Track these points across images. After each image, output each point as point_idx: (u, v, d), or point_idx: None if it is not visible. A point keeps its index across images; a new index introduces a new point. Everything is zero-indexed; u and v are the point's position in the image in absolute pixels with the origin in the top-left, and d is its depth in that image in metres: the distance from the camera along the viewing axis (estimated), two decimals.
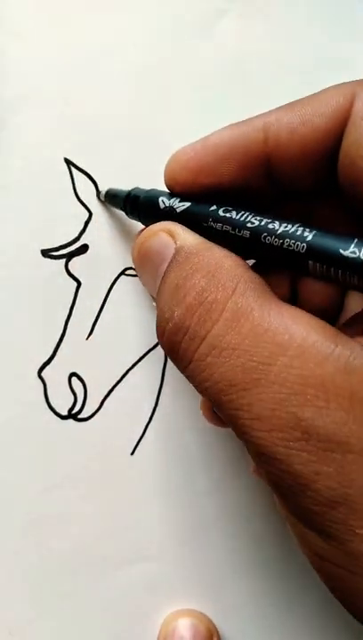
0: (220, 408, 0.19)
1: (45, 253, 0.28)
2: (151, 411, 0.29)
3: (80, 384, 0.29)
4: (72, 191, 0.28)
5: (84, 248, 0.29)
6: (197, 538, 0.29)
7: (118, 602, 0.29)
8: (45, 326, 0.28)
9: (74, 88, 0.29)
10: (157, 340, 0.29)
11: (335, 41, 0.31)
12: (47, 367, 0.28)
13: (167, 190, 0.24)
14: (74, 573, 0.29)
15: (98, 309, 0.29)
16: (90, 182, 0.29)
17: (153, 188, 0.25)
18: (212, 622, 0.29)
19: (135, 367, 0.29)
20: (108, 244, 0.29)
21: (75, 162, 0.29)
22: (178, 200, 0.23)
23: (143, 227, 0.24)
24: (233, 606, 0.30)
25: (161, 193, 0.25)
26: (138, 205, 0.25)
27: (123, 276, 0.29)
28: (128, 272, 0.29)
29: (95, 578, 0.29)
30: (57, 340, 0.28)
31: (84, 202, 0.29)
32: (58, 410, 0.28)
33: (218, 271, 0.20)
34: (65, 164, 0.28)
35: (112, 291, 0.29)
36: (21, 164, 0.28)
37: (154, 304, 0.24)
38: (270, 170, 0.22)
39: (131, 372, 0.29)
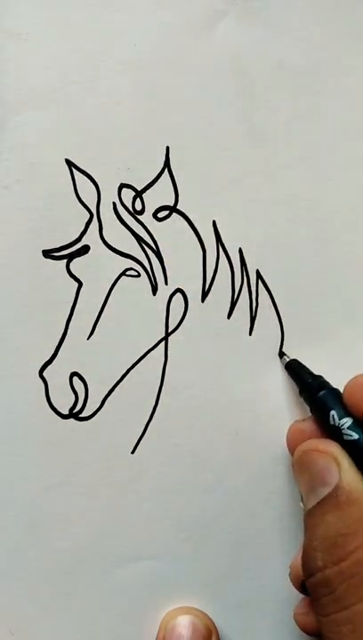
0: None
1: (47, 254, 0.28)
2: (152, 410, 0.29)
3: (81, 384, 0.29)
4: (73, 192, 0.28)
5: (85, 249, 0.29)
6: (197, 536, 0.29)
7: (118, 600, 0.29)
8: (46, 326, 0.28)
9: (74, 88, 0.29)
10: (157, 340, 0.29)
11: (335, 42, 0.31)
12: (48, 367, 0.28)
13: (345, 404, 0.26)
14: (74, 572, 0.29)
15: (99, 309, 0.29)
16: (91, 183, 0.29)
17: (337, 388, 0.27)
18: (211, 620, 0.29)
19: (136, 367, 0.29)
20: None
21: (75, 163, 0.29)
22: (348, 423, 0.25)
23: None
24: (232, 604, 0.30)
25: (334, 403, 0.26)
26: (312, 398, 0.27)
27: (123, 277, 0.29)
28: (129, 272, 0.29)
29: (95, 576, 0.29)
30: (58, 340, 0.28)
31: (85, 203, 0.29)
32: (59, 409, 0.28)
33: None
34: (66, 165, 0.28)
35: (113, 291, 0.29)
36: (22, 164, 0.28)
37: (301, 504, 0.26)
38: None
39: (131, 372, 0.29)
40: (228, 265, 0.30)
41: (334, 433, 0.25)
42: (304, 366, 0.29)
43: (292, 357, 0.29)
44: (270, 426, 0.29)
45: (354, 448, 0.25)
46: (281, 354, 0.30)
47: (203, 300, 0.30)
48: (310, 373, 0.28)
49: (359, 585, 0.21)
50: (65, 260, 0.28)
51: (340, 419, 0.25)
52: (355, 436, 0.25)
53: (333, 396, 0.26)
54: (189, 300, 0.29)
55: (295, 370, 0.29)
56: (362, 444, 0.24)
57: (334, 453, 0.24)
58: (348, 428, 0.25)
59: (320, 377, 0.28)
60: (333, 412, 0.26)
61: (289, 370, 0.29)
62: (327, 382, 0.27)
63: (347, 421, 0.25)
